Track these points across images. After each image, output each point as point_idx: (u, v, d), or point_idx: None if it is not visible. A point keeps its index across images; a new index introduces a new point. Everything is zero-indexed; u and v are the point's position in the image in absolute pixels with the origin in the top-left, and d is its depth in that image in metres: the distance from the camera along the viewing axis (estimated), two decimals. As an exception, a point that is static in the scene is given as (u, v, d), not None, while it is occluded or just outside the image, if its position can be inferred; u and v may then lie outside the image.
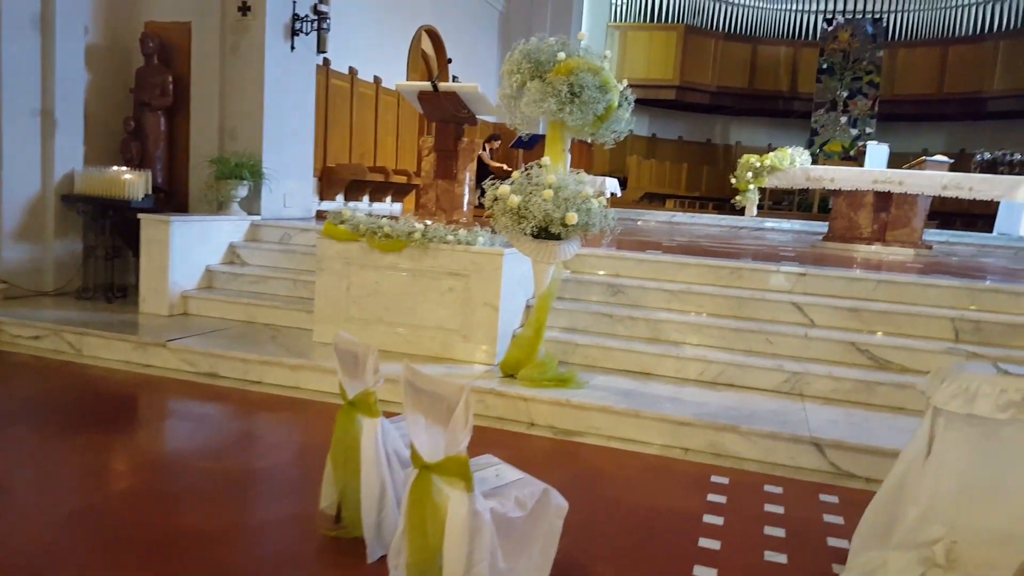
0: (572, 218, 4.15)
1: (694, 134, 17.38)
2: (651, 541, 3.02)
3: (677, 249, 6.91)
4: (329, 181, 8.97)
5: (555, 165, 5.11)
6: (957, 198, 8.34)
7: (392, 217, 5.18)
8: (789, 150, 8.65)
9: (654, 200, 14.88)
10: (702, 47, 15.90)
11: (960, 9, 15.24)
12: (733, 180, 8.59)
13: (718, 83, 16.11)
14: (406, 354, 4.98)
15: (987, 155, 12.32)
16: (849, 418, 4.33)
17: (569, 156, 5.46)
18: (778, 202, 15.12)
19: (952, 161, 9.08)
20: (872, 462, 3.84)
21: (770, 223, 12.51)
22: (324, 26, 7.28)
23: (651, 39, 15.52)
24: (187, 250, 6.32)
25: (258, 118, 7.03)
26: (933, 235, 11.20)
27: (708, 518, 3.26)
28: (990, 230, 10.98)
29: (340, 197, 9.15)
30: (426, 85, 5.07)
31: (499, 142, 10.42)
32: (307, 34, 7.33)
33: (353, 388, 2.68)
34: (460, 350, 4.96)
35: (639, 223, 12.66)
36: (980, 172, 10.50)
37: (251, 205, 7.21)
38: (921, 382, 2.86)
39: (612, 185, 10.54)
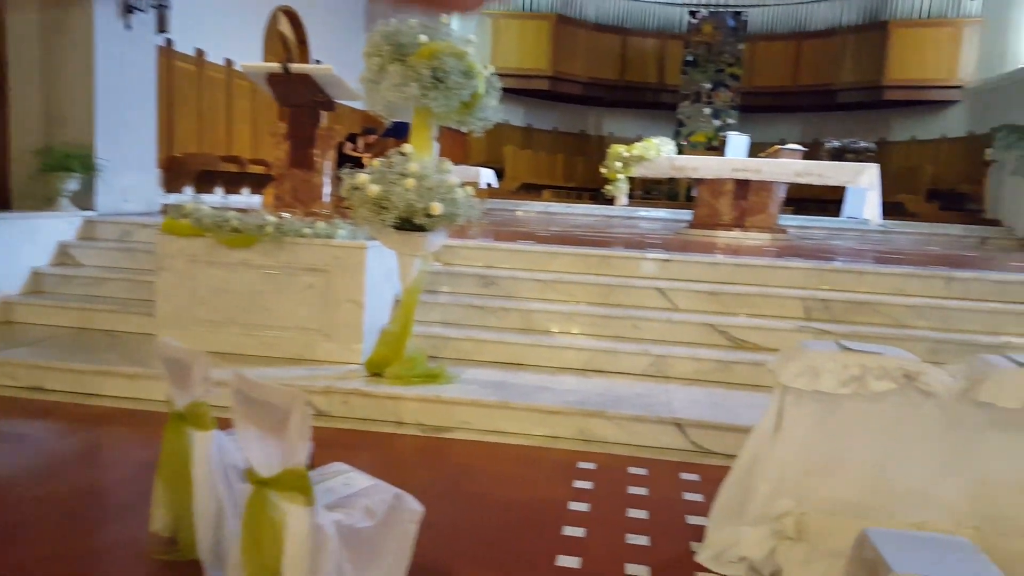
0: (436, 208, 4.02)
1: (568, 125, 17.64)
2: (516, 534, 2.96)
3: (550, 239, 6.93)
4: (176, 172, 8.33)
5: (421, 153, 4.96)
6: (810, 184, 8.86)
7: (244, 210, 4.86)
8: (655, 140, 8.91)
9: (531, 190, 14.98)
10: (573, 37, 16.13)
11: (813, 5, 16.26)
12: (603, 170, 8.73)
13: (590, 74, 16.40)
14: (263, 357, 4.70)
15: (835, 143, 13.22)
16: (709, 397, 4.46)
17: (437, 144, 5.32)
18: (648, 192, 15.61)
19: (805, 149, 9.64)
20: (730, 439, 3.95)
21: (642, 212, 12.88)
22: (165, 3, 6.73)
23: (523, 28, 15.57)
24: (10, 251, 5.69)
25: (88, 104, 6.42)
26: (788, 220, 11.88)
27: (574, 505, 3.24)
28: (839, 214, 11.77)
29: (190, 190, 8.55)
30: (275, 66, 4.77)
31: (375, 136, 10.08)
32: (145, 12, 6.75)
33: (182, 399, 2.44)
34: (323, 350, 4.72)
35: (519, 213, 12.72)
36: (829, 159, 11.22)
37: (85, 200, 6.59)
38: (774, 360, 2.95)
39: (488, 176, 10.48)
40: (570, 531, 3.00)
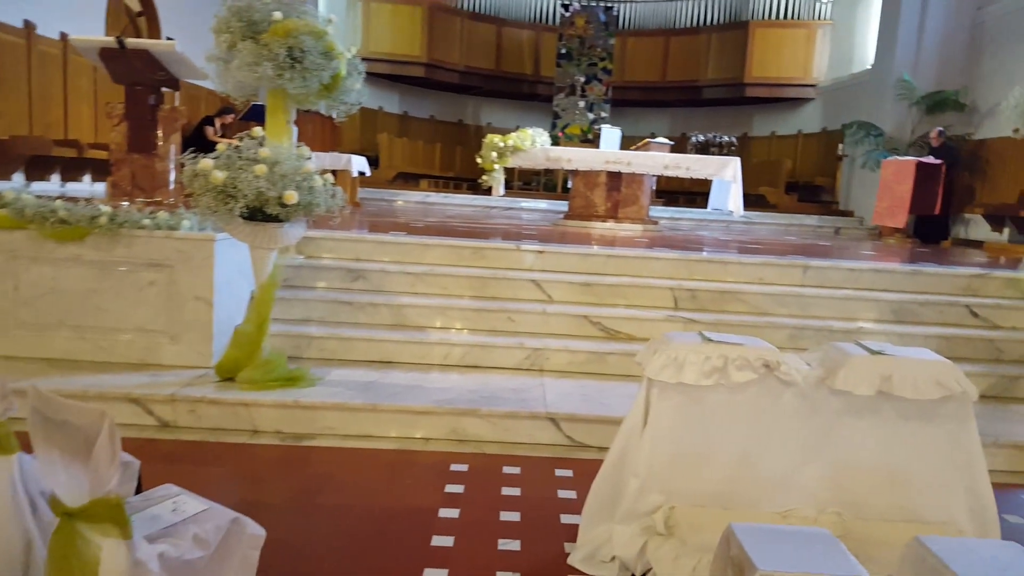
0: (291, 197, 3.72)
1: (446, 113, 17.41)
2: (380, 548, 2.76)
3: (423, 230, 6.72)
4: (2, 158, 7.43)
5: (277, 138, 4.62)
6: (680, 177, 9.10)
7: (77, 200, 4.33)
8: (530, 131, 8.84)
9: (409, 180, 14.64)
10: (448, 25, 15.89)
11: (680, 3, 16.82)
12: (479, 160, 8.60)
13: (466, 63, 16.23)
14: (99, 363, 4.22)
15: (700, 137, 13.77)
16: (583, 389, 4.42)
17: (295, 129, 4.98)
18: (527, 183, 15.66)
19: (673, 143, 9.92)
20: (604, 432, 3.90)
21: (523, 203, 12.90)
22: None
23: (395, 12, 15.16)
24: None
25: None
26: (660, 212, 12.26)
27: (444, 512, 3.08)
28: (706, 206, 12.23)
29: (19, 177, 7.65)
30: (109, 40, 4.28)
31: (232, 116, 9.45)
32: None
33: (-29, 420, 2.06)
34: (167, 354, 4.29)
35: (399, 203, 12.40)
36: (695, 153, 11.63)
37: None
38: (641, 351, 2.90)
39: (360, 164, 10.09)
40: (439, 541, 2.83)
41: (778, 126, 15.91)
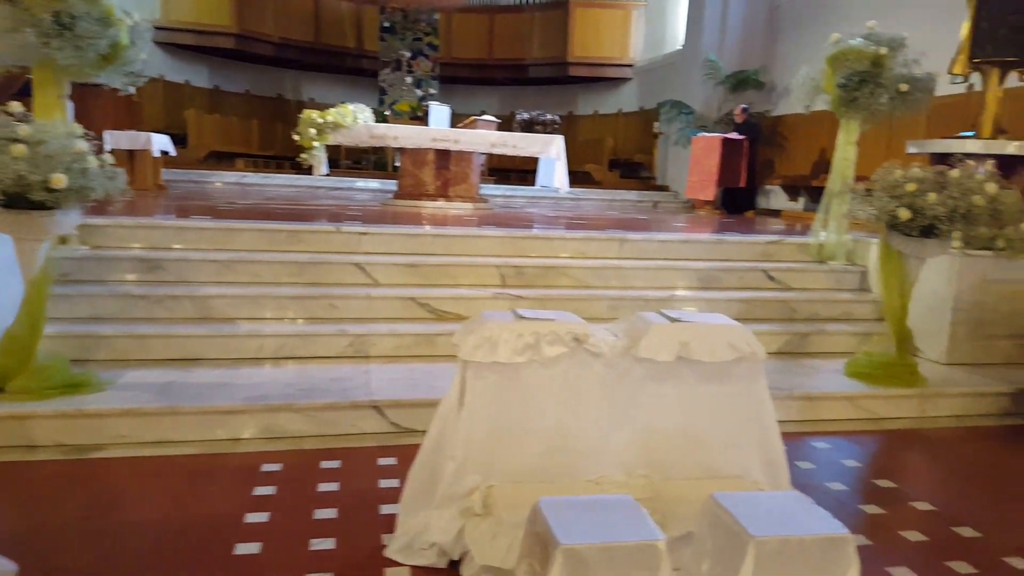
0: (59, 181, 3.27)
1: (263, 88, 16.42)
2: (175, 565, 2.51)
3: (233, 213, 6.27)
4: None
5: (47, 115, 4.08)
6: (511, 155, 9.16)
7: None
8: (351, 107, 8.51)
9: (223, 159, 13.66)
10: (256, -6, 14.93)
11: (502, -20, 16.91)
12: (296, 137, 8.16)
13: (281, 34, 15.34)
14: None
15: (526, 115, 13.98)
16: (411, 374, 4.31)
17: (70, 104, 4.42)
18: (356, 161, 15.21)
19: (500, 121, 9.96)
20: (431, 415, 3.81)
21: (352, 183, 12.47)
22: None
23: (197, -21, 14.03)
24: None
25: None
26: (492, 190, 12.34)
27: (251, 517, 2.86)
28: (536, 183, 12.47)
29: None
30: None
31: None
32: None
33: None
34: (-84, 365, 3.68)
35: (217, 184, 11.53)
36: (520, 131, 11.79)
37: None
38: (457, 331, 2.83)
39: (162, 142, 9.25)
40: (244, 549, 2.62)
41: (600, 105, 16.51)
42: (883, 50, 5.50)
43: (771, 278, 5.89)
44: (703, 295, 5.57)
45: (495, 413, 2.70)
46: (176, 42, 13.95)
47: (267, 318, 4.69)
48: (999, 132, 5.94)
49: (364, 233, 5.50)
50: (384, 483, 3.27)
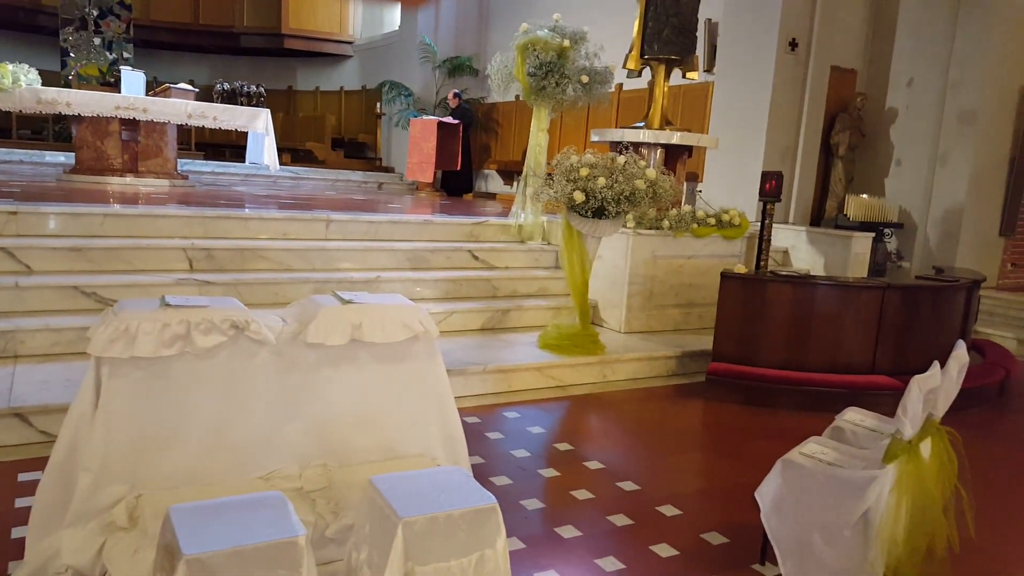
0: None
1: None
2: None
3: None
4: None
5: None
6: (226, 130, 8.40)
7: None
8: (10, 67, 7.22)
9: None
10: None
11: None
12: (-69, 98, 6.72)
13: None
14: None
15: (227, 85, 13.00)
16: (68, 373, 3.75)
17: None
18: (37, 132, 13.09)
19: (197, 91, 9.12)
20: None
21: (36, 156, 10.66)
22: None
23: None
24: None
25: None
26: (200, 166, 11.34)
27: None
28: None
29: None
30: None
31: None
32: None
33: None
34: None
35: None
36: (221, 103, 10.91)
37: None
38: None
39: None
40: None
41: (322, 81, 15.95)
42: (567, 42, 5.92)
43: (476, 257, 6.10)
44: (411, 275, 5.59)
45: (140, 414, 2.40)
46: None
47: None
48: (666, 124, 6.72)
49: (14, 212, 4.68)
50: (22, 502, 2.79)
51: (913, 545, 2.26)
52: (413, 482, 2.15)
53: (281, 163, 10.63)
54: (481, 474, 3.42)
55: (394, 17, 14.25)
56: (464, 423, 4.02)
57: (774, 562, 2.54)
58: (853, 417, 2.77)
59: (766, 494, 2.50)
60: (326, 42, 15.17)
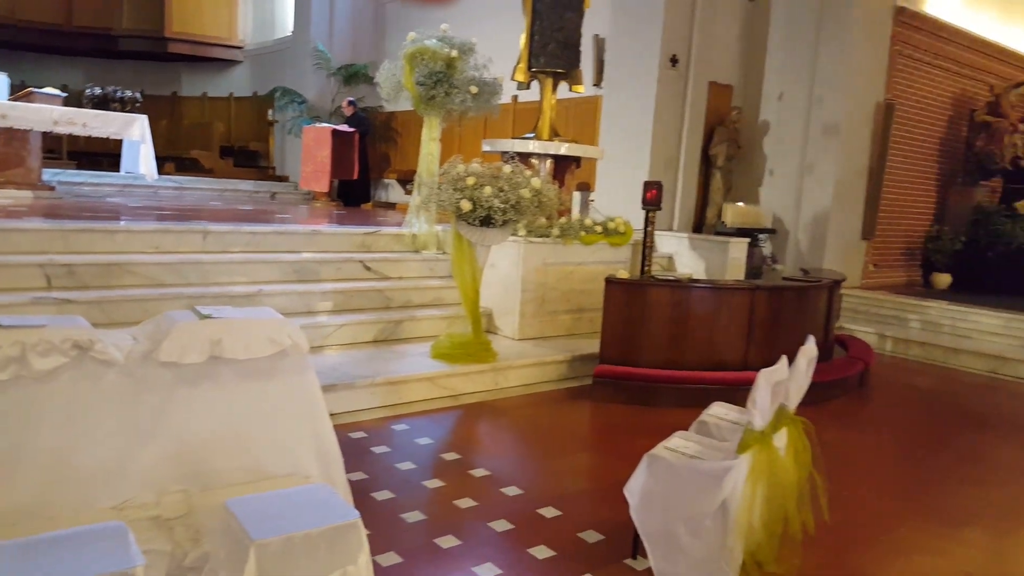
0: None
1: None
2: None
3: None
4: None
5: None
6: (102, 138, 7.87)
7: None
8: None
9: None
10: None
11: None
12: None
13: None
14: None
15: (98, 90, 12.27)
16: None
17: None
18: None
19: (65, 95, 8.55)
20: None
21: None
22: None
23: None
24: None
25: None
26: (72, 176, 10.65)
27: None
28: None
29: None
30: None
31: None
32: None
33: None
34: None
35: None
36: (93, 108, 10.28)
37: None
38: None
39: None
40: None
41: (209, 87, 15.32)
42: (455, 52, 5.92)
43: (368, 268, 5.99)
44: (298, 288, 5.42)
45: (-29, 446, 2.20)
46: None
47: None
48: (555, 135, 6.83)
49: None
50: None
51: (770, 530, 2.36)
52: (271, 503, 2.06)
53: (163, 172, 10.14)
54: (363, 489, 3.34)
55: (287, 23, 13.87)
56: (349, 439, 3.95)
57: (645, 556, 2.59)
58: (717, 411, 2.87)
59: (634, 489, 2.56)
60: (214, 47, 14.59)
